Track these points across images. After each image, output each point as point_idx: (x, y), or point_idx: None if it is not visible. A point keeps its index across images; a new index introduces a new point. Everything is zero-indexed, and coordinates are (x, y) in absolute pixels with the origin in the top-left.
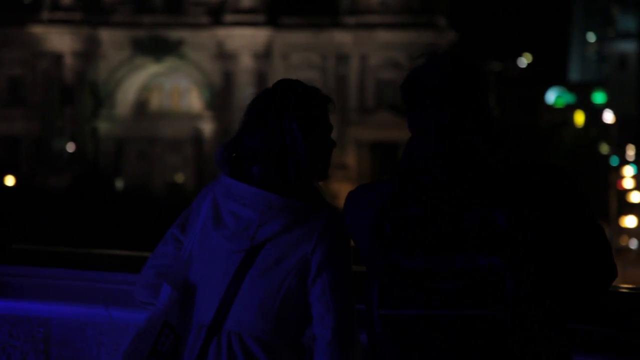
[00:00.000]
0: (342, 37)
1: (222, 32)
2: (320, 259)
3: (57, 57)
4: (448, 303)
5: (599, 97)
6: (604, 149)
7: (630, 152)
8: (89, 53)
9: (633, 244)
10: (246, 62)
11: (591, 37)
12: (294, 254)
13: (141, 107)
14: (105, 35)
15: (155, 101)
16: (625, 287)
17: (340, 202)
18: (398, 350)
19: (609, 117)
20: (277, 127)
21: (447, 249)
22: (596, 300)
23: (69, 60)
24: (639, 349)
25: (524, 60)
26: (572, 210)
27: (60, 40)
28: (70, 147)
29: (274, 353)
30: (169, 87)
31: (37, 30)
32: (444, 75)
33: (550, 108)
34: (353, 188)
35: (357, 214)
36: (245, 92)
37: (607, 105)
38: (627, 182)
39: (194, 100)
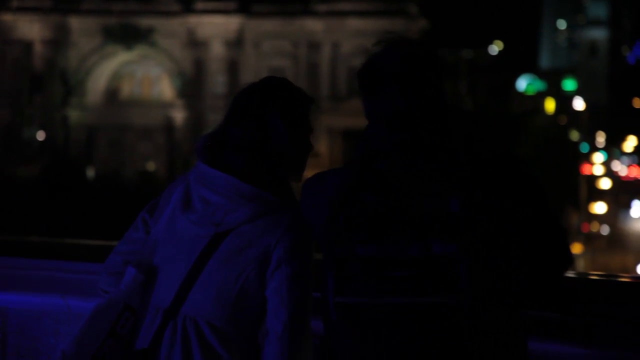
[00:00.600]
0: (313, 25)
1: (193, 20)
2: (282, 253)
3: (27, 45)
4: (402, 291)
5: (569, 84)
6: (574, 135)
7: (600, 139)
8: (59, 41)
9: (604, 230)
10: (217, 49)
11: (562, 24)
12: (256, 245)
13: (112, 95)
14: (75, 22)
15: (126, 89)
16: (576, 273)
17: None
18: (353, 338)
19: (579, 104)
20: (262, 120)
21: (402, 236)
22: (552, 287)
23: (38, 48)
24: (597, 336)
25: (495, 48)
26: (527, 198)
27: (29, 28)
28: (41, 136)
29: (228, 342)
30: (140, 75)
31: (6, 18)
32: (399, 62)
33: (521, 95)
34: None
35: (314, 202)
36: (216, 80)
37: (578, 92)
38: (597, 169)
39: (165, 88)
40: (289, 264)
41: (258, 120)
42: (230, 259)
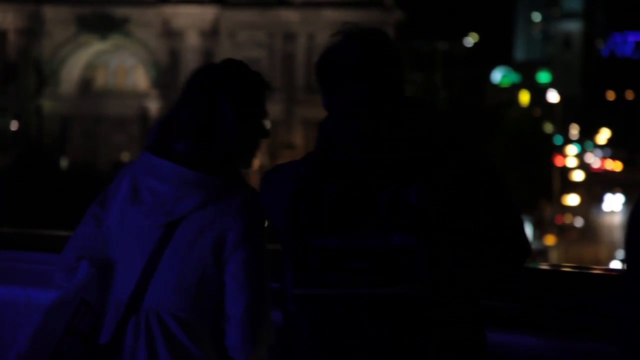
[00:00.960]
0: (289, 16)
1: (168, 10)
2: (235, 237)
3: (1, 35)
4: (361, 282)
5: (543, 77)
6: (548, 128)
7: (574, 131)
8: (33, 30)
9: (578, 222)
10: (193, 40)
11: (536, 16)
12: (210, 231)
13: (86, 85)
14: (50, 12)
15: (101, 79)
16: (550, 265)
17: None
18: (312, 329)
19: (553, 96)
20: (209, 103)
21: (360, 228)
22: (511, 278)
23: (12, 38)
24: (555, 327)
25: (470, 40)
26: (486, 188)
27: (3, 17)
28: (14, 126)
29: (192, 332)
30: (115, 65)
31: None
32: (355, 53)
33: (495, 87)
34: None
35: (273, 193)
36: (191, 70)
37: (552, 84)
38: (570, 161)
39: (139, 79)
40: (244, 246)
41: (206, 103)
42: (186, 248)
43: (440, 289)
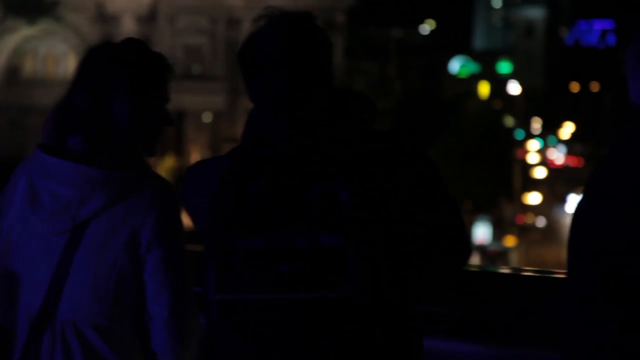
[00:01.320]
0: (233, 0)
1: None
2: (150, 233)
3: None
4: (289, 286)
5: (504, 67)
6: (509, 121)
7: (536, 125)
8: None
9: (540, 222)
10: (129, 25)
11: (497, 2)
12: (122, 230)
13: (13, 73)
14: None
15: (29, 67)
16: (511, 269)
17: None
18: (237, 337)
19: (514, 88)
20: (101, 87)
21: (287, 228)
22: (451, 280)
23: None
24: (499, 333)
25: (426, 27)
26: (423, 185)
27: None
28: None
29: (115, 341)
30: (44, 52)
31: None
32: (278, 40)
33: (453, 78)
34: None
35: (196, 191)
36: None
37: (513, 75)
38: (532, 157)
39: (71, 67)
40: (160, 243)
41: (96, 86)
42: (98, 251)
43: (373, 292)
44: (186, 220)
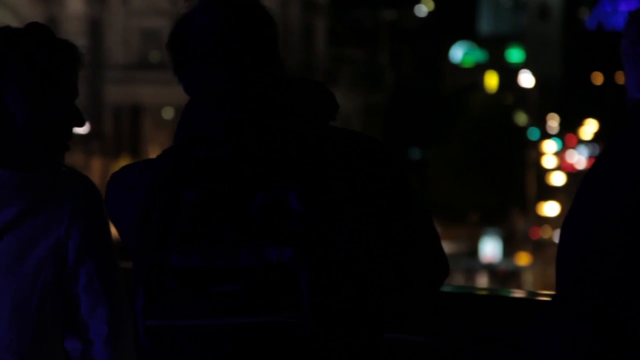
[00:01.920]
0: None
1: None
2: (79, 240)
3: None
4: (230, 309)
5: (515, 55)
6: (521, 119)
7: (553, 123)
8: None
9: (557, 236)
10: (75, 6)
11: None
12: (44, 240)
13: None
14: None
15: None
16: (525, 292)
17: None
18: None
19: (526, 79)
20: None
21: (228, 241)
22: (421, 304)
23: None
24: None
25: (423, 9)
26: (389, 190)
27: None
28: None
29: None
30: None
31: None
32: (214, 22)
33: (456, 67)
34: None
35: (122, 200)
36: (75, 43)
37: (525, 64)
38: (549, 161)
39: None
40: (93, 251)
41: None
42: (15, 267)
43: (329, 316)
44: (114, 231)
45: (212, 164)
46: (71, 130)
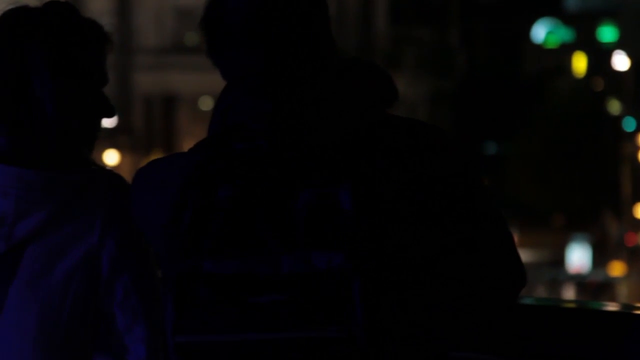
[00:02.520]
0: None
1: None
2: (114, 250)
3: None
4: (270, 322)
5: (607, 34)
6: (614, 107)
7: None
8: None
9: None
10: None
11: None
12: (73, 249)
13: None
14: None
15: None
16: (620, 305)
17: None
18: None
19: (620, 61)
20: (19, 64)
21: (269, 245)
22: (494, 318)
23: None
24: None
25: None
26: (458, 188)
27: None
28: None
29: None
30: None
31: None
32: (252, 2)
33: (538, 49)
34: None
35: (149, 200)
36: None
37: (619, 45)
38: None
39: None
40: (130, 262)
41: (11, 63)
42: (41, 279)
43: (384, 333)
44: None
45: (250, 157)
46: (100, 121)
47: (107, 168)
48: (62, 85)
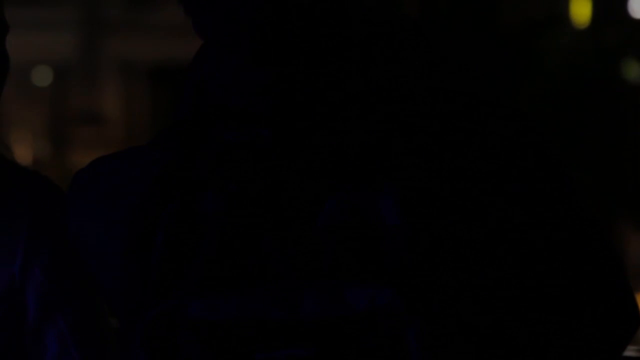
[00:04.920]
0: None
1: None
2: (43, 285)
3: None
4: None
5: None
6: (632, 70)
7: None
8: None
9: None
10: None
11: None
12: None
13: None
14: None
15: None
16: None
17: None
18: None
19: (637, 6)
20: None
21: (282, 277)
22: None
23: None
24: None
25: None
26: (540, 190)
27: None
28: None
29: None
30: None
31: None
32: None
33: None
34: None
35: (95, 216)
36: None
37: None
38: None
39: None
40: (64, 303)
41: None
42: None
43: None
44: None
45: (246, 152)
46: (4, 80)
47: (30, 169)
48: None
